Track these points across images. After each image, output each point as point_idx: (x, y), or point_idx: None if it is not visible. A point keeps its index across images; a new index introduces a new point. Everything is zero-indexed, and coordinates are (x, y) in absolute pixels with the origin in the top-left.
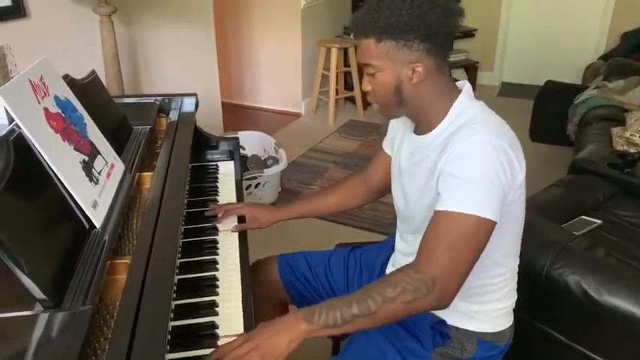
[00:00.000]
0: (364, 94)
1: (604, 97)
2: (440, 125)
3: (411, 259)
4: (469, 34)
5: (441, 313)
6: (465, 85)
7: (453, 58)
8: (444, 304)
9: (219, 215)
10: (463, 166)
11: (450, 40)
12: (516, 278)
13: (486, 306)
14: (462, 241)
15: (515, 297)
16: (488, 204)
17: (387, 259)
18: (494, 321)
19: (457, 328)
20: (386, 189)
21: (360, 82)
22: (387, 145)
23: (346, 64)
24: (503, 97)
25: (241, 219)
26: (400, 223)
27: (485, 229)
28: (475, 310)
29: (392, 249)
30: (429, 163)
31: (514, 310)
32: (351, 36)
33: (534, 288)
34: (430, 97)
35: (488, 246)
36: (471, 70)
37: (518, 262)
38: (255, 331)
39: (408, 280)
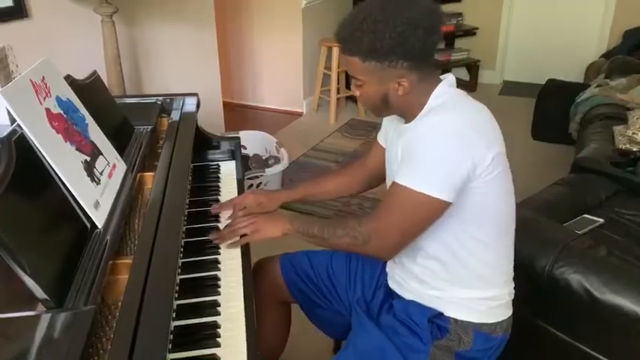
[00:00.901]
0: None
1: (606, 95)
2: (420, 112)
3: (405, 256)
4: (471, 32)
5: (438, 305)
6: (448, 76)
7: (454, 56)
8: (382, 258)
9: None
10: (419, 145)
11: (434, 53)
12: (512, 265)
13: (482, 293)
14: (402, 212)
15: (511, 286)
16: (436, 182)
17: None
18: (491, 311)
19: (455, 319)
20: (384, 176)
21: None
22: (381, 138)
23: None
24: (505, 95)
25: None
26: None
27: (428, 205)
28: (471, 297)
29: None
30: (403, 144)
31: (515, 307)
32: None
33: (536, 287)
34: (416, 100)
35: (473, 226)
36: (472, 69)
37: (512, 249)
38: (258, 214)
39: (352, 227)
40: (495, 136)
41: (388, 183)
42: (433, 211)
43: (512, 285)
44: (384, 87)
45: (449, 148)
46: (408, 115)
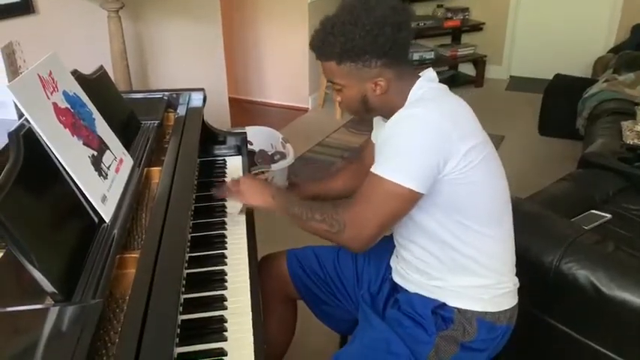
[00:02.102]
0: None
1: (614, 90)
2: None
3: (403, 249)
4: (477, 27)
5: (440, 296)
6: (426, 72)
7: (460, 52)
8: (355, 248)
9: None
10: (393, 136)
11: (407, 49)
12: (513, 253)
13: (484, 280)
14: (376, 201)
15: (513, 274)
16: (410, 173)
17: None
18: (494, 300)
19: (459, 309)
20: None
21: None
22: (373, 136)
23: None
24: (512, 91)
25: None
26: None
27: (401, 195)
28: (473, 285)
29: None
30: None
31: (522, 303)
32: None
33: (543, 282)
34: (395, 98)
35: (461, 215)
36: (479, 64)
37: (511, 236)
38: (255, 179)
39: (330, 214)
40: (472, 128)
41: None
42: (406, 202)
43: (514, 271)
44: (362, 88)
45: (420, 139)
46: (389, 115)
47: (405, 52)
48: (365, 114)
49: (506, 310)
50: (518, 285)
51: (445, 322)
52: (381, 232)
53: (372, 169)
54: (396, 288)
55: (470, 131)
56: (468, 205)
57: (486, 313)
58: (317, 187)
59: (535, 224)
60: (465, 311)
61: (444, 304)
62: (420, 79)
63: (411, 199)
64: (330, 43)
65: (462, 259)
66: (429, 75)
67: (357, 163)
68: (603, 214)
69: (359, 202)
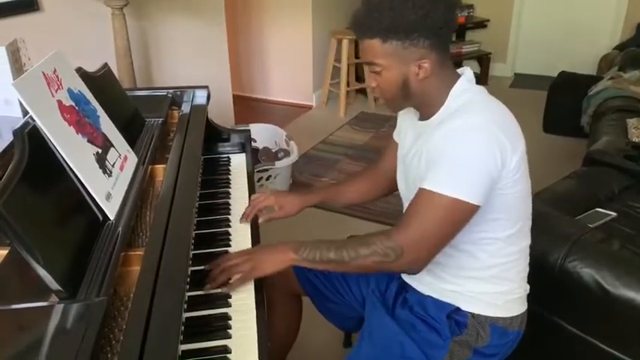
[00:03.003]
0: None
1: (619, 87)
2: (440, 110)
3: None
4: (481, 24)
5: (454, 300)
6: (465, 71)
7: (465, 49)
8: (414, 271)
9: (246, 215)
10: (449, 147)
11: (453, 32)
12: (528, 260)
13: (500, 287)
14: (435, 220)
15: (525, 281)
16: (469, 187)
17: None
18: (507, 305)
19: (472, 314)
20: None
21: None
22: (396, 134)
23: (357, 55)
24: (517, 88)
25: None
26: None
27: (462, 210)
28: (488, 292)
29: None
30: (427, 146)
31: (528, 302)
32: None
33: (548, 280)
34: (435, 89)
35: (495, 226)
36: (483, 62)
37: (528, 245)
38: (256, 248)
39: (380, 244)
40: (519, 137)
41: (398, 179)
42: (465, 217)
43: (526, 279)
44: (404, 70)
45: (479, 152)
46: (426, 106)
47: (451, 35)
48: (402, 101)
49: (517, 316)
50: (528, 291)
51: (459, 326)
52: (441, 249)
53: (427, 186)
54: (404, 287)
55: (518, 140)
56: (503, 217)
57: (499, 318)
58: (330, 194)
59: (539, 222)
60: (479, 316)
61: (458, 309)
62: (461, 78)
63: (471, 212)
64: (375, 19)
65: (482, 268)
66: (469, 75)
67: (375, 171)
68: (608, 212)
69: (415, 222)
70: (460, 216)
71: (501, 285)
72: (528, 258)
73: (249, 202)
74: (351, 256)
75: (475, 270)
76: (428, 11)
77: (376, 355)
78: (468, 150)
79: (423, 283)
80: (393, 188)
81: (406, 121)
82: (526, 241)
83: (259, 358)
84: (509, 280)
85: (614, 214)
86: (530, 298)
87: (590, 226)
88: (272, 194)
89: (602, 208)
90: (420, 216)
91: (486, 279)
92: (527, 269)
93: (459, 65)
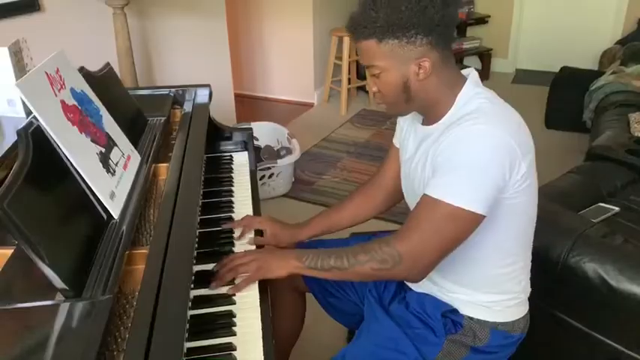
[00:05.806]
0: None
1: (621, 82)
2: (446, 115)
3: None
4: (482, 20)
5: (453, 303)
6: (470, 73)
7: (466, 45)
8: (413, 280)
9: (237, 234)
10: (455, 154)
11: (453, 29)
12: (529, 268)
13: (500, 296)
14: (437, 228)
15: (528, 288)
16: (473, 195)
17: None
18: (507, 311)
19: (470, 317)
20: (401, 192)
21: None
22: (396, 140)
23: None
24: (518, 84)
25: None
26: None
27: (466, 220)
28: (490, 300)
29: None
30: (433, 151)
31: (530, 297)
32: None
33: (551, 275)
34: (437, 90)
35: (499, 236)
36: (484, 58)
37: (530, 252)
38: (263, 250)
39: (379, 251)
40: (529, 143)
41: (403, 183)
42: (469, 226)
43: (529, 286)
44: (404, 71)
45: (487, 159)
46: (430, 110)
47: (451, 32)
48: (405, 105)
49: (519, 319)
50: (529, 293)
51: (455, 326)
52: (441, 259)
53: (430, 193)
54: (403, 286)
55: (529, 146)
56: (508, 225)
57: (500, 323)
58: (323, 223)
59: (542, 218)
60: (477, 320)
61: (455, 310)
62: (467, 82)
63: (476, 222)
64: (371, 18)
65: (482, 277)
66: (474, 77)
67: (375, 183)
68: (611, 206)
69: (415, 229)
70: (463, 225)
71: (502, 294)
72: (530, 264)
73: (245, 218)
74: (351, 263)
75: (475, 279)
76: (424, 7)
77: (371, 349)
78: (475, 157)
79: (421, 287)
80: (396, 199)
81: (406, 124)
82: (529, 251)
83: (264, 354)
84: (510, 288)
85: (617, 208)
86: (534, 293)
87: (594, 220)
88: (267, 220)
89: (604, 202)
90: (422, 223)
91: (486, 288)
92: (529, 275)
93: (460, 61)
